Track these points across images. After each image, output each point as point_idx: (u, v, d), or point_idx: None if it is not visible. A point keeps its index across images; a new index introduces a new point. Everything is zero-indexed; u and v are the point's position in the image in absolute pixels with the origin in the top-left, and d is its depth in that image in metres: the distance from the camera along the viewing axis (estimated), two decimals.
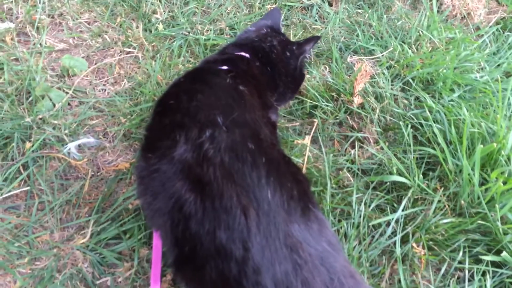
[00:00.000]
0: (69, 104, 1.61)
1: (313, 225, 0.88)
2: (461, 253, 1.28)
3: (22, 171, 1.41)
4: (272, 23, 1.56)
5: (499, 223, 1.30)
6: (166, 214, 0.90)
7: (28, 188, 1.38)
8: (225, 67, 1.27)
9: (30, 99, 1.57)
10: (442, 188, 1.40)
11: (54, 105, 1.57)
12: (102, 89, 1.69)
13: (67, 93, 1.62)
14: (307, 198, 0.93)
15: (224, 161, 0.88)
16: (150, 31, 1.90)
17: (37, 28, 1.83)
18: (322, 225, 0.90)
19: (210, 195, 0.84)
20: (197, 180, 0.87)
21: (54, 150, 1.46)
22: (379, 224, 1.35)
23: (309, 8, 2.10)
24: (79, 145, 1.48)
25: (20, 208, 1.36)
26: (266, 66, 1.40)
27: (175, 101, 1.08)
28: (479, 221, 1.31)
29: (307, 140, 1.52)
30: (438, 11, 2.11)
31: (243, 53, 1.39)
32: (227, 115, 0.98)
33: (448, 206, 1.38)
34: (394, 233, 1.33)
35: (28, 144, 1.44)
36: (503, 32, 2.07)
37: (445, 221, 1.33)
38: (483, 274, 1.27)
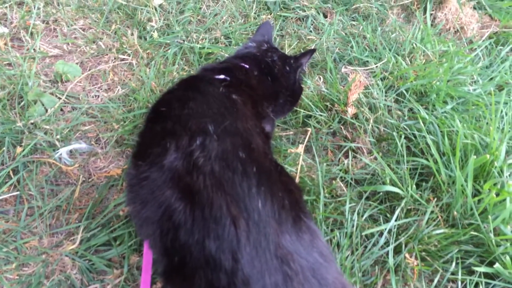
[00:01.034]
0: (61, 109, 1.60)
1: (305, 235, 0.86)
2: (453, 264, 1.28)
3: (12, 176, 1.39)
4: (267, 39, 1.56)
5: (491, 235, 1.30)
6: (155, 223, 0.88)
7: (18, 193, 1.36)
8: (221, 76, 1.26)
9: (22, 103, 1.56)
10: (435, 199, 1.40)
11: (47, 110, 1.56)
12: (96, 95, 1.68)
13: (60, 98, 1.61)
14: (299, 208, 0.92)
15: (215, 170, 0.87)
16: (145, 39, 1.90)
17: (31, 33, 1.82)
18: (314, 235, 0.88)
19: (200, 204, 0.82)
20: (187, 188, 0.85)
21: (45, 155, 1.45)
22: (372, 234, 1.34)
23: (304, 19, 2.11)
24: (70, 151, 1.47)
25: (9, 213, 1.34)
26: (266, 76, 1.40)
27: (167, 108, 1.07)
28: (472, 232, 1.31)
29: (301, 149, 1.52)
30: (431, 25, 2.13)
31: (242, 64, 1.38)
32: (219, 124, 0.97)
33: (441, 217, 1.37)
34: (387, 243, 1.32)
35: (19, 149, 1.43)
36: (496, 46, 2.09)
37: (438, 232, 1.32)
38: (476, 285, 1.27)
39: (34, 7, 1.90)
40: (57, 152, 1.44)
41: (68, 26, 1.88)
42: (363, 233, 1.33)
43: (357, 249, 1.31)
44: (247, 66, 1.38)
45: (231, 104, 1.11)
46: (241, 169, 0.88)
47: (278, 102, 1.43)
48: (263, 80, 1.39)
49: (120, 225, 1.30)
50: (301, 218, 0.88)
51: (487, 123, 1.59)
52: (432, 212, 1.37)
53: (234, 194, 0.84)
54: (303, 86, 1.57)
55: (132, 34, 1.87)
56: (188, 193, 0.85)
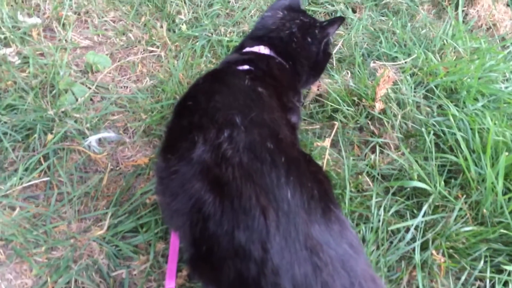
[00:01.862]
0: (91, 99, 1.63)
1: (334, 226, 0.85)
2: (482, 262, 1.25)
3: (43, 162, 1.42)
4: (290, 2, 1.48)
5: None
6: (185, 215, 0.89)
7: (48, 178, 1.39)
8: (245, 67, 1.26)
9: (54, 92, 1.59)
10: (464, 196, 1.37)
11: (77, 100, 1.59)
12: (124, 86, 1.71)
13: (90, 88, 1.64)
14: (328, 198, 0.92)
15: (243, 161, 0.87)
16: (174, 31, 1.91)
17: (63, 24, 1.86)
18: (343, 226, 0.87)
19: (229, 195, 0.83)
20: (216, 180, 0.86)
21: (75, 143, 1.48)
22: (398, 230, 1.33)
23: (333, 14, 2.09)
24: (99, 139, 1.49)
25: (39, 198, 1.37)
26: (287, 61, 1.37)
27: (194, 102, 1.08)
28: (502, 231, 1.28)
29: (327, 142, 1.51)
30: (463, 21, 2.10)
31: (262, 48, 1.36)
32: (245, 115, 0.97)
33: (470, 214, 1.35)
34: (413, 239, 1.31)
35: (49, 136, 1.46)
36: None
37: (466, 229, 1.30)
38: (505, 284, 1.25)
39: None
40: (87, 140, 1.47)
41: (99, 18, 1.91)
42: (389, 228, 1.32)
43: (382, 244, 1.30)
44: (267, 52, 1.35)
45: (257, 97, 1.10)
46: (270, 160, 0.88)
47: (301, 79, 1.41)
48: (285, 68, 1.36)
49: (147, 212, 1.32)
50: (330, 208, 0.88)
51: None
52: (460, 209, 1.35)
53: (263, 184, 0.84)
54: (331, 52, 1.49)
55: (161, 27, 1.89)
56: (217, 185, 0.85)
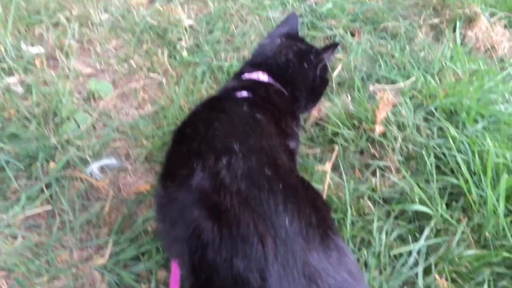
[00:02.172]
0: (93, 126, 1.65)
1: (333, 253, 0.85)
2: (485, 286, 1.24)
3: (45, 191, 1.43)
4: (288, 29, 1.51)
5: None
6: (184, 243, 0.89)
7: (50, 207, 1.40)
8: (243, 94, 1.27)
9: (56, 120, 1.61)
10: (466, 219, 1.37)
11: (79, 127, 1.61)
12: (126, 113, 1.73)
13: (92, 115, 1.66)
14: (327, 225, 0.91)
15: (241, 188, 0.87)
16: (175, 58, 1.94)
17: (66, 53, 1.90)
18: (342, 253, 0.87)
19: (227, 223, 0.83)
20: (215, 208, 0.86)
21: (77, 171, 1.49)
22: (401, 254, 1.32)
23: (332, 38, 2.12)
24: (101, 166, 1.50)
25: (41, 226, 1.37)
26: (285, 87, 1.38)
27: (193, 130, 1.09)
28: (505, 254, 1.26)
29: (328, 166, 1.51)
30: (461, 44, 2.11)
31: (260, 75, 1.37)
32: (244, 142, 0.98)
33: (472, 237, 1.34)
34: (416, 263, 1.29)
35: (52, 164, 1.47)
36: None
37: (469, 252, 1.29)
38: None
39: (69, 28, 1.97)
40: (89, 168, 1.48)
41: (101, 46, 1.95)
42: (392, 253, 1.31)
43: (385, 269, 1.28)
44: (265, 79, 1.37)
45: (256, 123, 1.11)
46: (267, 187, 0.88)
47: (300, 105, 1.42)
48: (283, 94, 1.38)
49: (148, 240, 1.32)
50: (328, 235, 0.87)
51: None
52: (462, 232, 1.34)
53: (261, 211, 0.84)
54: (327, 78, 1.50)
55: (162, 54, 1.92)
56: (216, 212, 0.85)
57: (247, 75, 1.40)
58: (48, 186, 1.45)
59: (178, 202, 0.93)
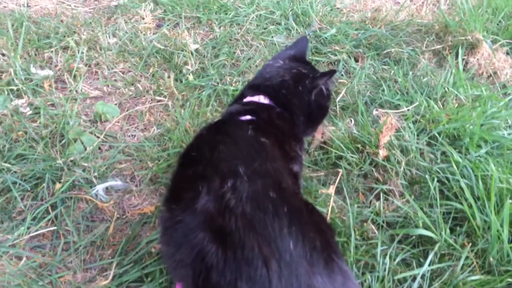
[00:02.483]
0: (99, 148, 1.67)
1: (337, 277, 0.85)
2: None
3: (50, 211, 1.44)
4: (295, 52, 1.50)
5: None
6: (188, 266, 0.89)
7: (55, 228, 1.40)
8: (247, 117, 1.28)
9: (63, 142, 1.63)
10: (470, 244, 1.36)
11: (86, 149, 1.63)
12: (132, 135, 1.75)
13: (98, 137, 1.68)
14: (331, 248, 0.91)
15: (246, 211, 0.88)
16: (181, 81, 1.97)
17: (74, 76, 1.93)
18: (346, 277, 0.87)
19: (232, 245, 0.83)
20: (219, 230, 0.86)
21: (83, 192, 1.50)
22: (405, 279, 1.31)
23: (336, 63, 2.15)
24: (106, 188, 1.52)
25: (45, 247, 1.38)
26: (285, 110, 1.37)
27: (198, 153, 1.10)
28: (509, 279, 1.26)
29: (332, 190, 1.52)
30: (464, 70, 2.14)
31: (261, 98, 1.38)
32: (249, 165, 0.99)
33: (477, 263, 1.34)
34: None
35: (58, 185, 1.48)
36: None
37: (473, 278, 1.28)
38: None
39: (78, 51, 2.01)
40: (94, 189, 1.49)
41: (109, 69, 1.98)
42: (396, 277, 1.30)
43: None
44: (267, 102, 1.37)
45: (260, 146, 1.12)
46: (272, 210, 0.88)
47: (300, 130, 1.41)
48: (285, 117, 1.36)
49: (152, 262, 1.32)
50: (333, 259, 0.88)
51: None
52: (467, 257, 1.34)
53: (265, 234, 0.84)
54: (326, 106, 1.47)
55: (168, 77, 1.95)
56: (220, 235, 0.86)
57: (249, 98, 1.41)
58: (53, 207, 1.46)
59: (183, 225, 0.93)
